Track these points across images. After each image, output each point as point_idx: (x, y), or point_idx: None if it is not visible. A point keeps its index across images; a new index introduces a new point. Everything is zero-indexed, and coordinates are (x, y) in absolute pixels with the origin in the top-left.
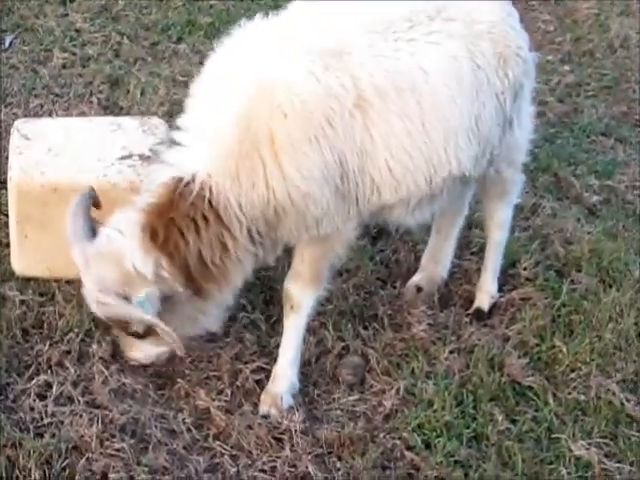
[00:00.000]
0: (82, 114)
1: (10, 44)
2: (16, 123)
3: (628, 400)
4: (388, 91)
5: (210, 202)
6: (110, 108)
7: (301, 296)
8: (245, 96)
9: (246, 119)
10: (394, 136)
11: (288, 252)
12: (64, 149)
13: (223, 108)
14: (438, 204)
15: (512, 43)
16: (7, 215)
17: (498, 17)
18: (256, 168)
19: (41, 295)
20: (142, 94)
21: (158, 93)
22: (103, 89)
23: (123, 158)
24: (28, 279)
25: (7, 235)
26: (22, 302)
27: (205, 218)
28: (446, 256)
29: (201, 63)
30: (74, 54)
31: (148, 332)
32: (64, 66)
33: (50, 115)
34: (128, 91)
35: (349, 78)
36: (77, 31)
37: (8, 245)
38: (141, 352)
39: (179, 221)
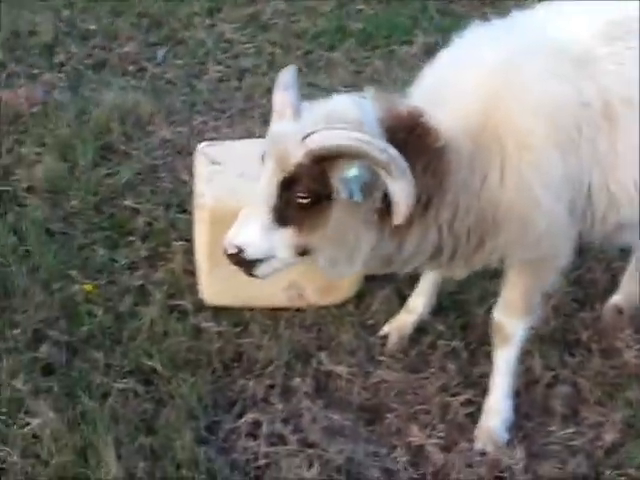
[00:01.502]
0: (247, 130)
1: (164, 58)
2: (200, 147)
3: None
4: (633, 100)
5: (444, 167)
6: None
7: (514, 327)
8: (492, 86)
9: (494, 108)
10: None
11: (476, 273)
12: (255, 174)
13: (468, 93)
14: None
15: None
16: (187, 241)
17: None
18: (493, 160)
19: (235, 326)
20: None
21: None
22: (263, 103)
23: None
24: (219, 309)
25: (190, 262)
26: (218, 334)
27: (434, 173)
28: None
29: (357, 72)
30: (229, 67)
31: (307, 216)
32: (220, 80)
33: (216, 132)
34: None
35: (596, 86)
36: (228, 42)
37: (193, 273)
38: (262, 241)
39: (416, 145)
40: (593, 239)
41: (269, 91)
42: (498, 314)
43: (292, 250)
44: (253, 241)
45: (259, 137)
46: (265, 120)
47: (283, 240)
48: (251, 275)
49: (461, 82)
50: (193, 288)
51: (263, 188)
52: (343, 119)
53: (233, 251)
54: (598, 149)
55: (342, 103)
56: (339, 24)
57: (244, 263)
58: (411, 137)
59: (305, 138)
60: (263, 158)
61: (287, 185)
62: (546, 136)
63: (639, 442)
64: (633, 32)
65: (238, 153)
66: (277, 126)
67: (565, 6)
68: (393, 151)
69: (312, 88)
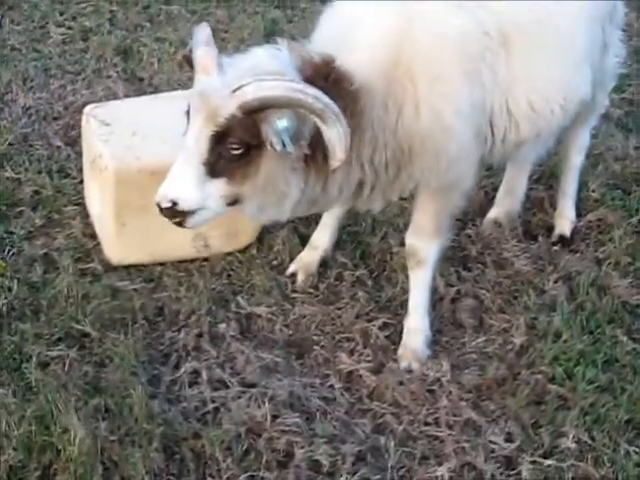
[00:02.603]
0: (108, 89)
1: (0, 25)
2: (87, 110)
3: None
4: (527, 26)
5: (360, 108)
6: (131, 80)
7: (427, 250)
8: (397, 26)
9: (401, 46)
10: (534, 71)
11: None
12: (148, 130)
13: (376, 35)
14: (559, 133)
15: None
16: (78, 205)
17: None
18: (406, 96)
19: (149, 282)
20: (159, 62)
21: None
22: (117, 61)
23: None
24: (129, 267)
25: (87, 226)
26: (135, 291)
27: (352, 114)
28: (521, 188)
29: (200, 23)
30: (70, 28)
31: (238, 166)
32: (65, 42)
33: (74, 95)
34: (141, 60)
35: (492, 16)
36: (62, 3)
37: (92, 236)
38: (195, 193)
39: (332, 90)
40: (492, 160)
41: (118, 49)
42: (411, 239)
43: (224, 200)
44: (187, 193)
45: (126, 97)
46: (125, 79)
47: (215, 191)
48: (182, 227)
49: (367, 25)
50: (97, 250)
51: (192, 142)
52: (267, 71)
53: (167, 205)
54: (498, 74)
55: (263, 56)
56: None
57: (177, 215)
58: (328, 83)
59: (236, 91)
60: (188, 113)
61: (219, 138)
62: (453, 66)
63: (545, 342)
64: None
65: (126, 112)
66: (203, 82)
67: None
68: (326, 98)
69: (161, 43)
